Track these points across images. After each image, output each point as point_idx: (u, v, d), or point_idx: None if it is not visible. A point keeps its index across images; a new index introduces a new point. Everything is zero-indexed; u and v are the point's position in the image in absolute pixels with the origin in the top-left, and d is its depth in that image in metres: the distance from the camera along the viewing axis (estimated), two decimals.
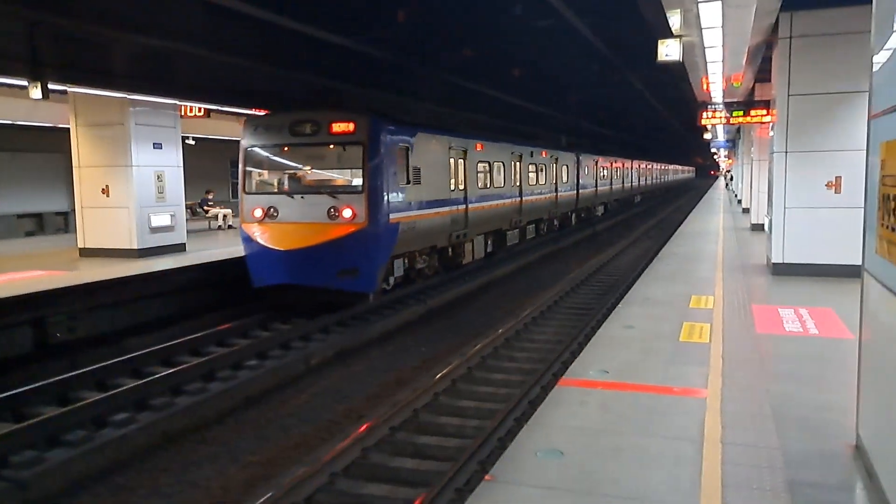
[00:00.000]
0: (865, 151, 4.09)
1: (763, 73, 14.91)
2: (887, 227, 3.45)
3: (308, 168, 11.07)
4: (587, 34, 14.92)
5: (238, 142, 11.27)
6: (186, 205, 15.64)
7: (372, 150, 10.33)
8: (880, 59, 3.81)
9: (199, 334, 9.44)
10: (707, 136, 34.45)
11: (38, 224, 20.29)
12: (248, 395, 7.74)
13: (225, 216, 19.68)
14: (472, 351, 8.79)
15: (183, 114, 14.70)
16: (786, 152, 10.76)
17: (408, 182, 11.28)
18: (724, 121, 15.62)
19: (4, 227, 18.89)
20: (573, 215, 24.80)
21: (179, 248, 14.18)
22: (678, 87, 20.64)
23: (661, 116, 35.12)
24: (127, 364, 8.28)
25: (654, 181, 50.48)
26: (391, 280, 11.41)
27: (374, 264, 10.48)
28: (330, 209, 10.28)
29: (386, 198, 10.54)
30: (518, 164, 17.60)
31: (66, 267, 11.97)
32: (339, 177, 11.02)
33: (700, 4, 7.74)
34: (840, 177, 10.35)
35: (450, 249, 13.62)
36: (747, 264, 12.37)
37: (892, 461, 3.46)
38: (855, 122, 9.73)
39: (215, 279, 12.21)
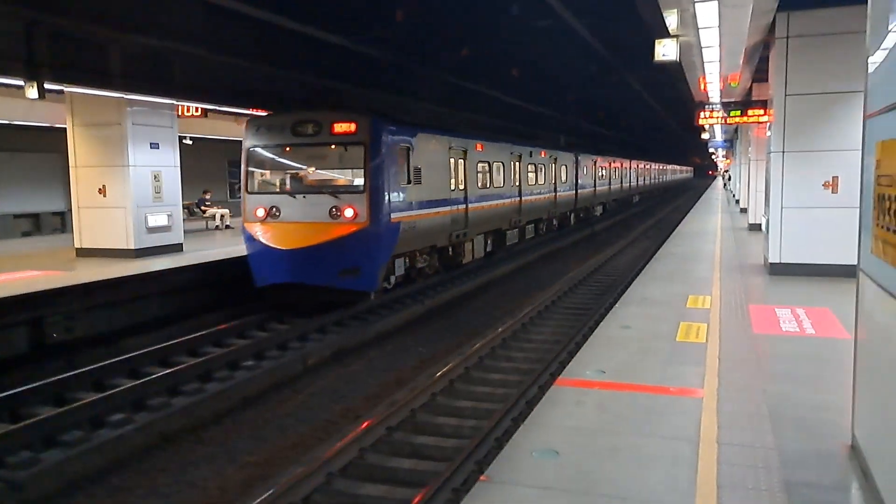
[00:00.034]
0: (861, 151, 4.10)
1: (760, 73, 14.94)
2: (882, 227, 3.45)
3: (310, 168, 11.15)
4: (585, 34, 14.95)
5: (236, 141, 11.33)
6: (183, 205, 15.62)
7: (373, 150, 10.41)
8: (875, 58, 3.82)
9: (196, 334, 9.43)
10: (705, 136, 34.50)
11: (35, 224, 20.25)
12: (246, 396, 7.74)
13: (222, 216, 19.66)
14: (470, 351, 8.79)
15: (180, 114, 14.68)
16: (783, 152, 10.77)
17: (408, 182, 11.35)
18: (721, 121, 15.64)
19: (1, 227, 18.85)
20: (572, 215, 24.83)
21: (176, 248, 14.16)
22: (676, 88, 20.68)
23: (658, 116, 35.18)
24: (124, 364, 8.27)
25: (653, 181, 50.53)
26: (392, 279, 11.47)
27: (375, 263, 10.55)
28: (332, 209, 10.36)
29: (387, 197, 10.62)
30: (517, 164, 17.65)
31: (62, 267, 11.94)
32: (340, 177, 11.10)
33: (696, 4, 7.75)
34: (837, 177, 10.36)
35: (450, 249, 13.69)
36: (745, 264, 12.38)
37: (887, 461, 3.46)
38: (852, 122, 9.73)
39: (213, 279, 12.20)
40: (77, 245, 13.73)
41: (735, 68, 13.01)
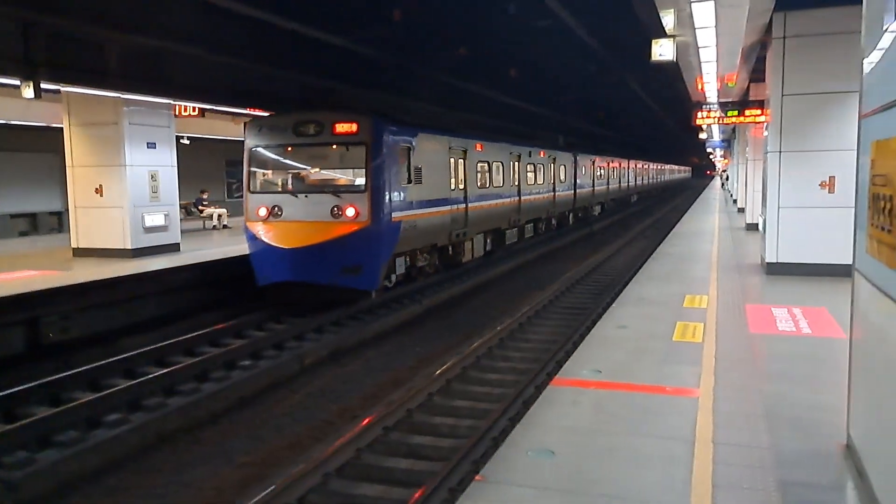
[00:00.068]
0: (856, 151, 4.10)
1: (758, 73, 14.95)
2: (877, 227, 3.45)
3: (312, 168, 11.24)
4: (583, 34, 14.95)
5: (233, 141, 11.37)
6: (181, 204, 15.60)
7: (374, 150, 10.50)
8: (870, 59, 3.82)
9: (192, 334, 9.41)
10: (703, 135, 34.52)
11: (32, 224, 20.22)
12: (242, 396, 7.72)
13: (220, 216, 19.63)
14: (467, 350, 8.79)
15: (177, 113, 14.66)
16: (780, 152, 10.78)
17: (409, 181, 11.43)
18: (718, 121, 15.66)
19: None
20: (570, 215, 24.88)
21: (173, 247, 14.14)
22: (673, 88, 20.70)
23: (656, 116, 35.21)
24: (120, 364, 8.25)
25: (651, 181, 50.57)
26: (393, 278, 11.55)
27: (376, 262, 10.62)
28: (333, 208, 10.44)
29: (388, 197, 10.71)
30: (517, 164, 17.72)
31: (59, 267, 11.92)
32: (342, 176, 11.19)
33: (693, 4, 7.76)
34: (833, 176, 10.37)
35: (450, 248, 13.77)
36: (742, 264, 12.39)
37: (882, 460, 3.46)
38: (848, 122, 9.73)
39: (210, 279, 12.18)
40: (74, 245, 13.70)
41: (732, 68, 13.03)
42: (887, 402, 3.32)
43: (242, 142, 11.45)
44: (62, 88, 12.22)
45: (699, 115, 15.98)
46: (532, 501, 3.72)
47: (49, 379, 7.51)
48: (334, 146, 10.95)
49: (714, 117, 15.74)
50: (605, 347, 6.77)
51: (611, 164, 32.50)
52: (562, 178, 22.77)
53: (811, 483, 3.91)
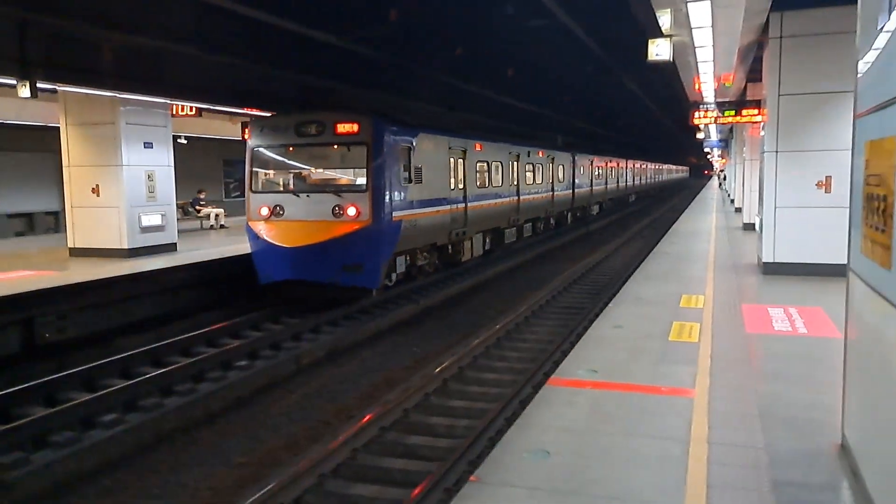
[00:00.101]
0: (851, 151, 4.10)
1: (754, 73, 14.96)
2: (871, 227, 3.46)
3: (313, 167, 11.34)
4: (580, 34, 14.95)
5: (231, 141, 11.39)
6: (178, 204, 15.57)
7: (375, 150, 10.58)
8: (865, 59, 3.82)
9: (189, 334, 9.40)
10: (700, 135, 34.56)
11: (28, 224, 20.19)
12: (239, 396, 7.72)
13: (217, 216, 19.60)
14: (464, 350, 8.78)
15: (174, 113, 14.63)
16: (776, 152, 10.79)
17: (410, 181, 11.51)
18: (715, 121, 15.68)
19: None
20: (569, 214, 24.93)
21: (170, 247, 14.11)
22: (671, 87, 20.71)
23: (654, 116, 35.23)
24: (116, 364, 8.23)
25: (649, 180, 50.64)
26: (393, 276, 11.63)
27: (377, 261, 10.69)
28: (335, 207, 10.53)
29: (389, 196, 10.79)
30: (515, 163, 17.79)
31: (55, 267, 11.90)
32: (343, 176, 11.29)
33: (689, 4, 7.76)
34: (830, 176, 10.38)
35: (450, 247, 13.84)
36: (738, 264, 12.41)
37: (876, 460, 3.47)
38: (845, 122, 9.61)
39: (207, 279, 12.17)
40: (70, 245, 13.67)
41: (729, 68, 13.04)
42: (882, 403, 3.33)
43: (240, 141, 11.52)
44: (59, 88, 12.20)
45: (696, 114, 15.98)
46: (527, 502, 3.72)
47: (45, 379, 7.49)
48: (336, 146, 11.04)
49: (711, 117, 15.75)
50: (602, 347, 6.78)
51: (609, 164, 32.54)
52: (560, 177, 22.83)
53: (806, 483, 3.92)
